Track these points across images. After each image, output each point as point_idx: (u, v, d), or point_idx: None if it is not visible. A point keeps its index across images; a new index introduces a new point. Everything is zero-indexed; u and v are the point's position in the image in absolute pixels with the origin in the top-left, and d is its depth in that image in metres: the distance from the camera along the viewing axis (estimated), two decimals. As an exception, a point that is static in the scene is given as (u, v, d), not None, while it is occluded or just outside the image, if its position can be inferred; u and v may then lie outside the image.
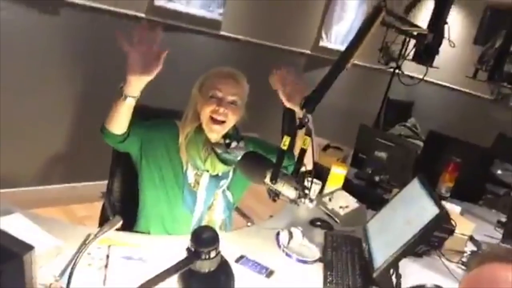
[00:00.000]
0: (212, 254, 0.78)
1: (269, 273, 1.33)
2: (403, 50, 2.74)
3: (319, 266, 1.44)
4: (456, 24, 5.37)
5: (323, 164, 2.20)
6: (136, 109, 1.41)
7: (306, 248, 1.52)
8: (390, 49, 3.04)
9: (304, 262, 1.45)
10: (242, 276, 1.27)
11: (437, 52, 1.51)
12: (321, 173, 2.10)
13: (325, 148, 2.68)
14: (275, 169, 1.16)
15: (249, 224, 1.82)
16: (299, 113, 1.28)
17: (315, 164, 2.08)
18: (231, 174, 1.64)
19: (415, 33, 1.39)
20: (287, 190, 1.17)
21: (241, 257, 1.37)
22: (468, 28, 5.36)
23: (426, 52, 1.46)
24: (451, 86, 5.65)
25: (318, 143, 2.44)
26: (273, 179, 1.16)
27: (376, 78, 4.65)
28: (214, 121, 1.54)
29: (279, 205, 1.58)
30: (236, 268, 1.27)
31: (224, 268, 0.82)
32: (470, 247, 1.88)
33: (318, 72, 4.15)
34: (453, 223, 1.82)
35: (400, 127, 4.19)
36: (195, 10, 3.05)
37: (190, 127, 1.57)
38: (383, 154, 2.33)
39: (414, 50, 1.52)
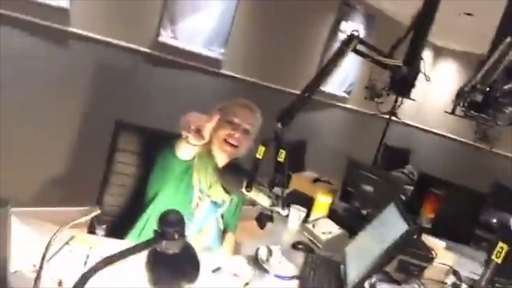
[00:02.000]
0: (176, 235, 0.84)
1: (245, 285, 1.36)
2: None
3: (295, 283, 1.47)
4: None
5: (311, 194, 2.26)
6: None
7: (284, 265, 1.56)
8: (375, 85, 3.17)
9: (281, 277, 1.48)
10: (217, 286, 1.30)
11: (412, 85, 1.62)
12: (308, 201, 2.15)
13: (315, 181, 2.74)
14: (250, 178, 1.24)
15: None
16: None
17: (300, 192, 2.13)
18: (227, 203, 1.70)
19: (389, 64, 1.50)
20: (261, 198, 1.24)
21: (218, 268, 1.41)
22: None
23: (402, 83, 1.56)
24: (448, 135, 5.74)
25: (306, 176, 2.51)
26: (248, 187, 1.23)
27: (374, 124, 4.77)
28: (227, 143, 1.61)
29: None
30: (212, 279, 1.32)
31: (188, 252, 0.87)
32: (452, 279, 1.89)
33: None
34: (433, 253, 1.86)
35: (397, 173, 4.25)
36: (197, 48, 3.22)
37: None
38: (369, 188, 2.38)
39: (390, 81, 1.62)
